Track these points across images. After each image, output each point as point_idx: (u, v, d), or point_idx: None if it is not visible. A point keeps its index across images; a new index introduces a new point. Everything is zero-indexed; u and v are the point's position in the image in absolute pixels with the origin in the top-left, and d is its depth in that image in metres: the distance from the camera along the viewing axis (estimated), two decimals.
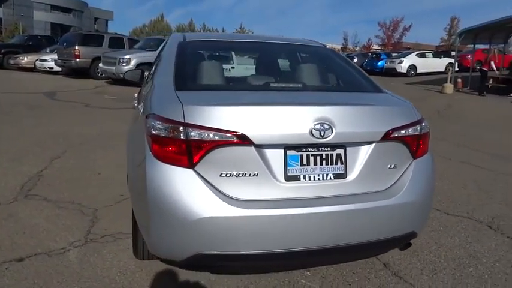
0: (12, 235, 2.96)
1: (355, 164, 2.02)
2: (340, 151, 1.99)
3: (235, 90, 2.27)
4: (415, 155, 2.14)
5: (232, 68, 2.53)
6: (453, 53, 21.13)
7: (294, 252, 1.91)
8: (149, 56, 14.42)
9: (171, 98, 2.03)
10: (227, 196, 1.85)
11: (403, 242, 2.17)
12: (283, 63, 2.65)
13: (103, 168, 4.71)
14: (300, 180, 1.95)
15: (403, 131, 2.07)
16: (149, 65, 14.29)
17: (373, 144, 2.03)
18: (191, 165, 1.86)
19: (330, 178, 1.99)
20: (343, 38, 50.73)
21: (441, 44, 48.92)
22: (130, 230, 3.02)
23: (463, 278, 2.57)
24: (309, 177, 1.96)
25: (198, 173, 1.86)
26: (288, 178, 1.93)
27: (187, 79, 2.34)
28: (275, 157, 1.91)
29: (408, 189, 2.07)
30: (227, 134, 1.84)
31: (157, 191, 1.87)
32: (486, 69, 15.77)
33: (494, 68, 16.22)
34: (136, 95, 5.11)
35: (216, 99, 1.99)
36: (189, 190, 1.85)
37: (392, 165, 2.09)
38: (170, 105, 1.94)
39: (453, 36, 39.54)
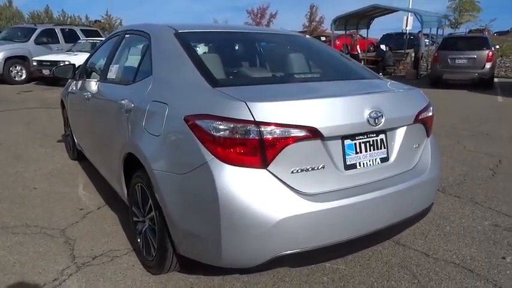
0: None
1: (394, 147, 2.18)
2: (383, 136, 2.12)
3: (272, 83, 2.20)
4: (428, 133, 2.39)
5: (245, 60, 2.39)
6: (323, 38, 23.24)
7: (362, 237, 1.99)
8: (20, 48, 12.52)
9: (221, 96, 1.88)
10: (301, 193, 1.83)
11: (427, 214, 2.42)
12: (290, 54, 2.63)
13: (34, 181, 4.03)
14: (356, 168, 2.02)
15: (424, 113, 2.30)
16: (21, 58, 12.46)
17: (405, 127, 2.21)
18: (265, 165, 1.77)
19: (378, 163, 2.11)
20: None
21: (304, 29, 53.10)
22: (121, 245, 2.76)
23: (448, 236, 3.00)
24: (363, 163, 2.04)
25: (271, 173, 1.78)
26: (347, 167, 1.99)
27: (218, 75, 2.17)
28: (336, 147, 1.95)
29: (432, 166, 2.32)
30: (300, 130, 1.80)
31: (230, 196, 1.74)
32: (356, 53, 17.78)
33: (359, 52, 18.40)
34: (63, 98, 4.49)
35: (271, 94, 1.92)
36: (265, 191, 1.77)
37: (416, 145, 2.31)
38: (229, 104, 1.80)
39: (313, 23, 43.17)
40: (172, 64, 2.32)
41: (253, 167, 1.77)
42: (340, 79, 2.43)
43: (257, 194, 1.76)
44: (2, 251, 2.69)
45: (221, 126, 1.78)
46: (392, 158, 2.17)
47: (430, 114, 2.37)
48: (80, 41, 13.43)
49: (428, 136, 2.40)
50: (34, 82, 12.86)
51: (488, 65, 11.52)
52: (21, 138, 5.77)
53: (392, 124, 2.11)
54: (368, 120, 1.98)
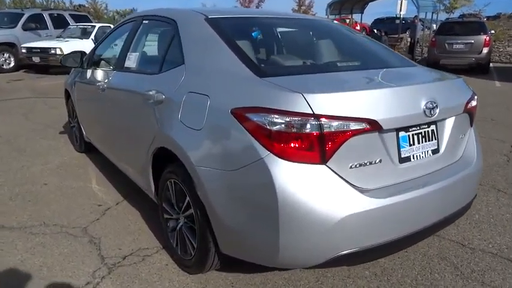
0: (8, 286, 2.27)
1: (443, 138, 2.10)
2: (433, 127, 2.03)
3: (317, 72, 2.07)
4: (471, 123, 2.32)
5: (283, 47, 2.25)
6: None
7: (416, 233, 1.92)
8: (7, 35, 12.05)
9: (273, 87, 1.76)
10: (361, 189, 1.74)
11: (470, 207, 2.36)
12: (326, 41, 2.51)
13: (43, 176, 3.87)
14: (410, 160, 1.93)
15: (471, 102, 2.21)
16: (8, 45, 11.96)
17: (454, 117, 2.12)
18: (324, 161, 1.67)
19: (430, 155, 2.02)
20: None
21: None
22: (149, 243, 2.65)
23: (479, 224, 2.96)
24: (416, 156, 1.96)
25: (330, 169, 1.68)
26: (401, 160, 1.90)
27: (262, 64, 2.05)
28: (391, 140, 1.85)
29: (477, 157, 2.25)
30: (360, 122, 1.70)
31: (289, 194, 1.64)
32: None
33: None
34: (68, 88, 4.28)
35: (326, 85, 1.81)
36: (325, 189, 1.67)
37: (462, 135, 2.23)
38: (285, 96, 1.68)
39: (303, 7, 42.78)
40: (208, 52, 2.18)
41: (312, 163, 1.67)
42: (381, 67, 2.32)
43: (317, 191, 1.66)
44: (25, 253, 2.55)
45: (277, 120, 1.66)
46: (442, 150, 2.09)
47: (475, 103, 2.28)
48: (70, 26, 12.99)
49: (471, 126, 2.32)
50: (23, 70, 12.42)
51: (485, 50, 11.51)
52: (21, 130, 5.54)
53: (444, 115, 2.03)
54: (424, 111, 1.89)
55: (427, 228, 1.98)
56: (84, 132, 4.14)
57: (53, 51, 10.95)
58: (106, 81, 3.15)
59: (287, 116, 1.65)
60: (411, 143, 1.94)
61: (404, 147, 1.91)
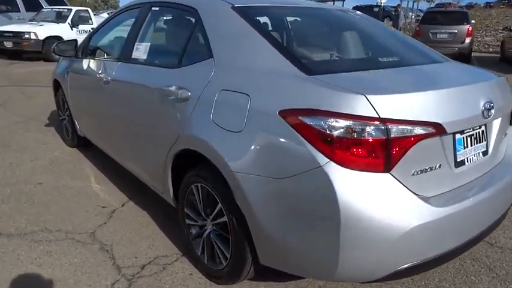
0: None
1: (491, 138, 2.00)
2: (483, 128, 1.93)
3: (364, 69, 1.90)
4: (511, 122, 2.23)
5: (321, 40, 2.07)
6: None
7: (475, 238, 1.82)
8: None
9: (328, 87, 1.59)
10: (423, 197, 1.61)
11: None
12: (362, 33, 2.34)
13: (35, 174, 3.58)
14: (464, 164, 1.82)
15: None
16: None
17: (501, 117, 2.02)
18: (388, 169, 1.53)
19: (481, 157, 1.92)
20: None
21: None
22: (166, 250, 2.47)
23: None
24: (469, 159, 1.85)
25: (394, 177, 1.54)
26: (457, 164, 1.78)
27: (306, 59, 1.86)
28: (449, 143, 1.73)
29: None
30: (426, 126, 1.56)
31: (352, 205, 1.49)
32: None
33: None
34: (59, 78, 3.95)
35: (385, 85, 1.65)
36: (390, 199, 1.53)
37: (504, 135, 2.14)
38: (345, 97, 1.52)
39: None
40: (243, 46, 1.98)
41: (376, 171, 1.52)
42: (421, 63, 2.18)
43: (382, 201, 1.52)
44: (30, 264, 2.31)
45: (338, 124, 1.50)
46: (490, 151, 1.99)
47: None
48: (43, 9, 12.26)
49: (511, 124, 2.24)
50: None
51: (468, 40, 11.66)
52: (2, 122, 5.15)
53: (496, 115, 1.92)
54: (482, 112, 1.77)
55: (482, 234, 1.89)
56: (78, 127, 3.85)
57: (26, 36, 10.30)
58: (110, 73, 2.89)
59: (350, 119, 1.49)
60: (465, 145, 1.82)
61: (459, 150, 1.79)
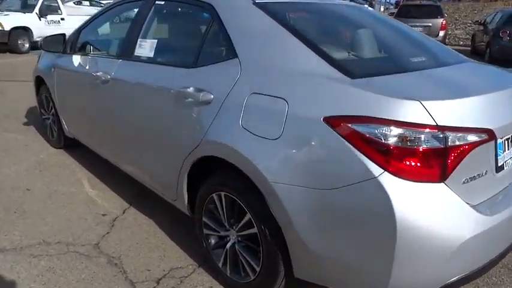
0: None
1: None
2: None
3: (406, 71, 1.79)
4: None
5: (350, 40, 1.94)
6: None
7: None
8: None
9: (377, 92, 1.49)
10: (473, 206, 1.55)
11: None
12: (387, 32, 2.24)
13: (21, 179, 3.32)
14: (503, 168, 1.78)
15: None
16: None
17: None
18: (443, 178, 1.45)
19: None
20: None
21: None
22: (180, 260, 2.33)
23: None
24: (507, 163, 1.81)
25: (448, 187, 1.47)
26: (498, 169, 1.73)
27: (348, 62, 1.75)
28: (492, 148, 1.68)
29: None
30: (480, 133, 1.50)
31: (410, 219, 1.41)
32: None
33: None
34: (43, 74, 3.66)
35: (435, 89, 1.58)
36: (445, 210, 1.46)
37: None
38: (398, 104, 1.43)
39: None
40: (271, 45, 1.84)
41: (431, 181, 1.44)
42: (452, 63, 2.12)
43: (438, 213, 1.45)
44: (33, 283, 2.11)
45: (393, 133, 1.41)
46: None
47: None
48: None
49: None
50: None
51: (441, 33, 11.93)
52: None
53: None
54: None
55: None
56: (65, 127, 3.60)
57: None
58: (109, 71, 2.68)
59: (406, 127, 1.41)
60: (504, 149, 1.78)
61: (500, 154, 1.74)
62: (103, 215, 2.82)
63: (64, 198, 3.02)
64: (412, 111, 1.41)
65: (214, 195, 2.03)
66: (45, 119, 4.03)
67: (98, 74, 2.76)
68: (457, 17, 20.22)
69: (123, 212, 2.86)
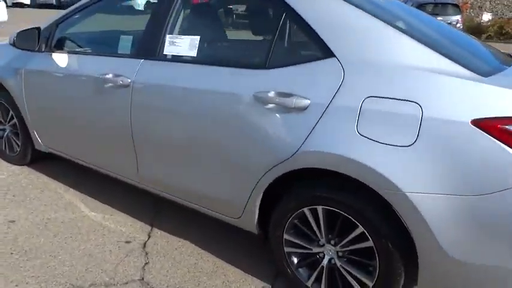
0: None
1: None
2: None
3: (505, 68, 1.79)
4: None
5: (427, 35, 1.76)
6: None
7: None
8: None
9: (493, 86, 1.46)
10: None
11: None
12: (433, 25, 2.18)
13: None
14: None
15: None
16: None
17: None
18: None
19: None
20: None
21: None
22: (250, 284, 2.11)
23: None
24: None
25: None
26: None
27: (468, 59, 1.66)
28: None
29: None
30: None
31: None
32: None
33: None
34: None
35: None
36: None
37: None
38: None
39: None
40: (373, 41, 1.67)
41: None
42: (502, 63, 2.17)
43: None
44: None
45: None
46: None
47: None
48: None
49: None
50: None
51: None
52: None
53: None
54: None
55: None
56: (38, 139, 2.98)
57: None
58: (127, 74, 2.25)
59: None
60: None
61: None
62: (126, 242, 2.40)
63: (66, 228, 2.51)
64: None
65: (305, 209, 1.83)
66: (2, 129, 3.30)
67: (108, 76, 2.31)
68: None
69: (149, 236, 2.47)
